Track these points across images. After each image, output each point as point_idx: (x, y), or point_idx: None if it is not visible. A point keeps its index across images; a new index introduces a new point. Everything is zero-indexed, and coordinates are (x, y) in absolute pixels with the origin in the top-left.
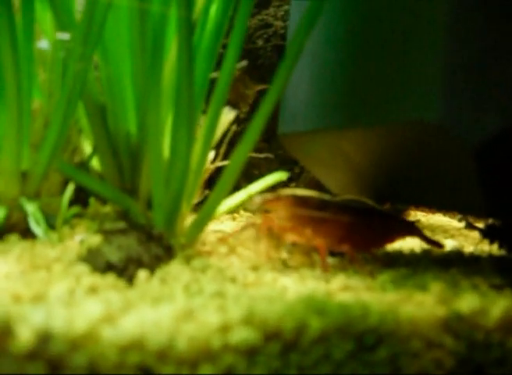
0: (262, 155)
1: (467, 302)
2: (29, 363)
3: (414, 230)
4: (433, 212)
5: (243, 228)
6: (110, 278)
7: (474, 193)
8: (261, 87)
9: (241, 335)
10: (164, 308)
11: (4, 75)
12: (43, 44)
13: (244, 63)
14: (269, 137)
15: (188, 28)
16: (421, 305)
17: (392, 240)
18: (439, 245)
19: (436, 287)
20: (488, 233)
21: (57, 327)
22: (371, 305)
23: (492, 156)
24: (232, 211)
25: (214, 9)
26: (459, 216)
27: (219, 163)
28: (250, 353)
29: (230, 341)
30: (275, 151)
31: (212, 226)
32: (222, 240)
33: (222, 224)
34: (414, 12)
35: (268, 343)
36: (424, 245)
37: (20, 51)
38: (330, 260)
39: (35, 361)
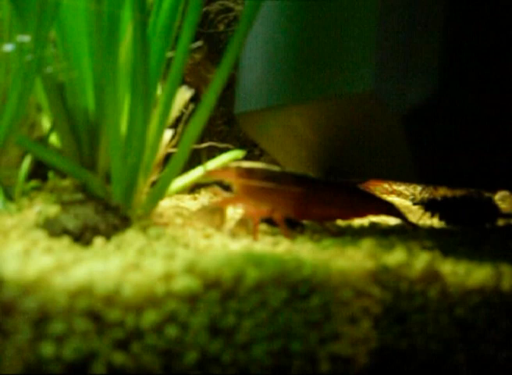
0: (204, 145)
1: (394, 257)
2: None
3: (390, 208)
4: (388, 194)
5: (205, 205)
6: (65, 242)
7: (407, 161)
8: None
9: (183, 283)
10: (113, 261)
11: None
12: (9, 46)
13: (200, 43)
14: (230, 120)
15: (142, 5)
16: (352, 258)
17: (361, 215)
18: (413, 225)
19: (367, 244)
20: (429, 207)
21: (8, 274)
22: (306, 258)
23: (419, 124)
24: (194, 191)
25: None
26: (411, 197)
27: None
28: (192, 300)
29: (173, 288)
30: (235, 133)
31: (173, 204)
32: (178, 213)
33: (183, 203)
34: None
35: (208, 291)
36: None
37: None
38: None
39: None
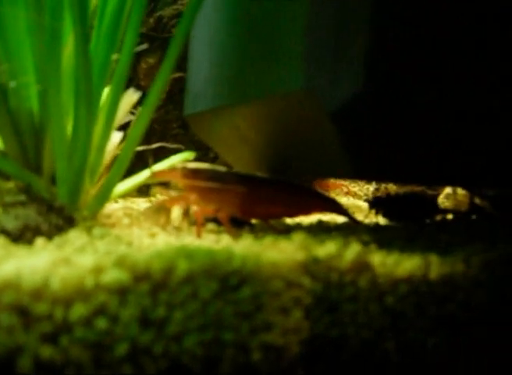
0: (154, 145)
1: (325, 248)
2: None
3: (333, 206)
4: (344, 194)
5: (152, 205)
6: (1, 241)
7: (341, 156)
8: (177, 74)
9: (112, 275)
10: (43, 256)
11: None
12: None
13: (145, 46)
14: (185, 123)
15: (83, 8)
16: (283, 250)
17: (305, 212)
18: (356, 221)
19: (299, 237)
20: (373, 205)
21: None
22: (236, 251)
23: (350, 119)
24: (149, 194)
25: None
26: (365, 198)
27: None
28: (122, 292)
29: (102, 281)
30: (191, 137)
31: (125, 206)
32: (127, 214)
33: (137, 206)
34: (281, 2)
35: (138, 283)
36: (326, 219)
37: None
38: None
39: None
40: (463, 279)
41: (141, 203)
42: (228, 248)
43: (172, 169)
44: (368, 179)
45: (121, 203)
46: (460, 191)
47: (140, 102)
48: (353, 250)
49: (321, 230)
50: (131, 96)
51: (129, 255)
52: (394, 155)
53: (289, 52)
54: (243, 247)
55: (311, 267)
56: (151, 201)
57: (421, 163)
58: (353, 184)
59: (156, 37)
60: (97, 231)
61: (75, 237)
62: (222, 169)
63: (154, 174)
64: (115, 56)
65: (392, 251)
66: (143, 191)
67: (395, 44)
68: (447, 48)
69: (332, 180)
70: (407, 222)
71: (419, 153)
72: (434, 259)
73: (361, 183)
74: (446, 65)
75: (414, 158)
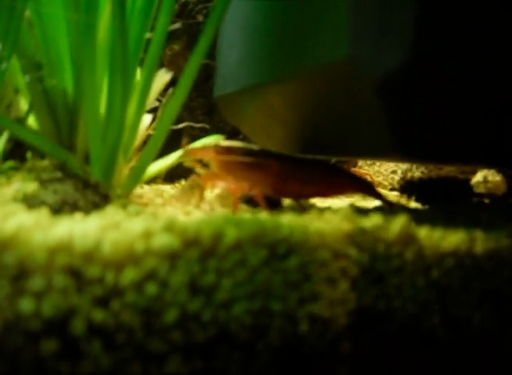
0: (181, 125)
1: (371, 220)
2: None
3: (366, 187)
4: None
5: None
6: (45, 211)
7: (383, 133)
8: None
9: (162, 240)
10: (93, 221)
11: None
12: None
13: (178, 25)
14: (210, 111)
15: None
16: (329, 221)
17: (338, 193)
18: (390, 203)
19: (346, 210)
20: (405, 189)
21: None
22: (283, 220)
23: (394, 91)
24: (174, 181)
25: None
26: (390, 187)
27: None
28: (172, 257)
29: (152, 245)
30: (216, 124)
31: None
32: (159, 195)
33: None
34: None
35: (187, 249)
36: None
37: None
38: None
39: None
40: (508, 254)
41: (167, 189)
42: (275, 217)
43: (206, 147)
44: (412, 160)
45: (147, 188)
46: (492, 179)
47: (166, 89)
48: (400, 222)
49: (356, 212)
50: (163, 76)
51: (179, 221)
52: (442, 133)
53: (333, 22)
54: (288, 218)
55: (357, 238)
56: (176, 188)
57: (471, 142)
58: (377, 174)
59: (181, 23)
60: (132, 208)
61: (111, 213)
62: (255, 147)
63: (187, 152)
64: (148, 35)
65: (436, 227)
66: (167, 178)
67: (444, 12)
68: (502, 15)
69: (355, 170)
70: (442, 205)
71: (469, 130)
72: (479, 234)
73: (385, 173)
74: (501, 33)
75: (463, 137)
